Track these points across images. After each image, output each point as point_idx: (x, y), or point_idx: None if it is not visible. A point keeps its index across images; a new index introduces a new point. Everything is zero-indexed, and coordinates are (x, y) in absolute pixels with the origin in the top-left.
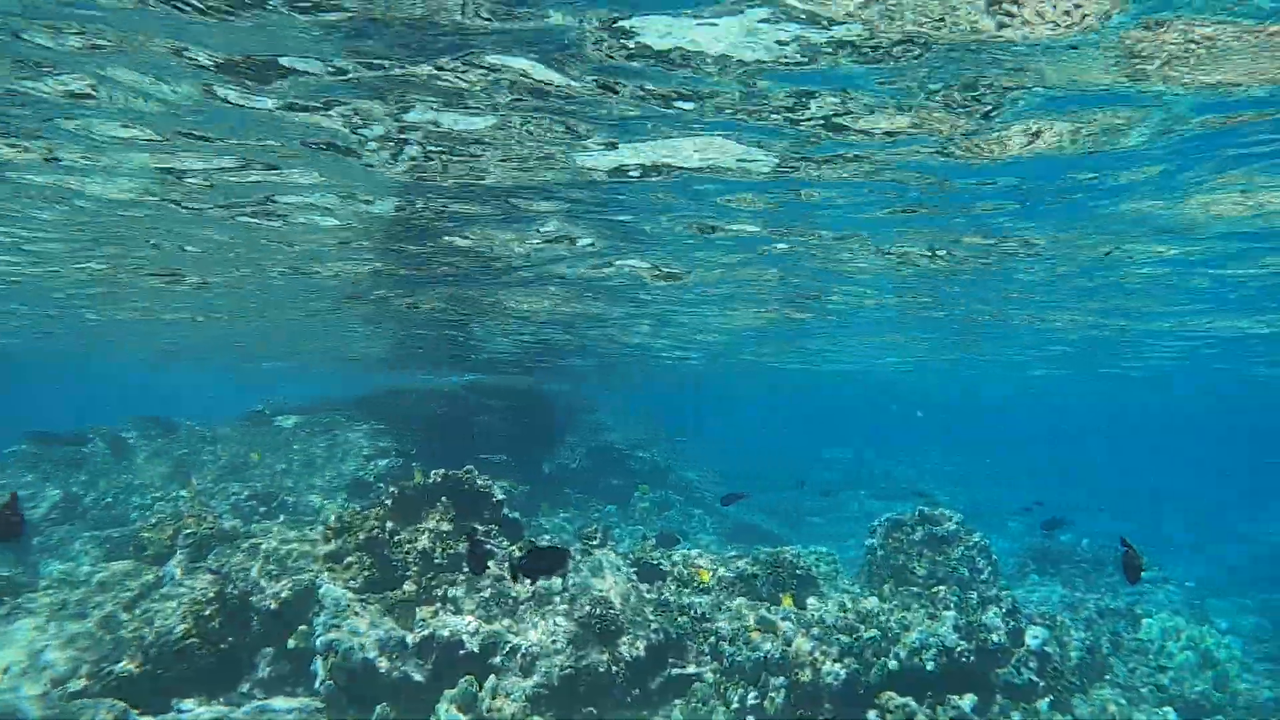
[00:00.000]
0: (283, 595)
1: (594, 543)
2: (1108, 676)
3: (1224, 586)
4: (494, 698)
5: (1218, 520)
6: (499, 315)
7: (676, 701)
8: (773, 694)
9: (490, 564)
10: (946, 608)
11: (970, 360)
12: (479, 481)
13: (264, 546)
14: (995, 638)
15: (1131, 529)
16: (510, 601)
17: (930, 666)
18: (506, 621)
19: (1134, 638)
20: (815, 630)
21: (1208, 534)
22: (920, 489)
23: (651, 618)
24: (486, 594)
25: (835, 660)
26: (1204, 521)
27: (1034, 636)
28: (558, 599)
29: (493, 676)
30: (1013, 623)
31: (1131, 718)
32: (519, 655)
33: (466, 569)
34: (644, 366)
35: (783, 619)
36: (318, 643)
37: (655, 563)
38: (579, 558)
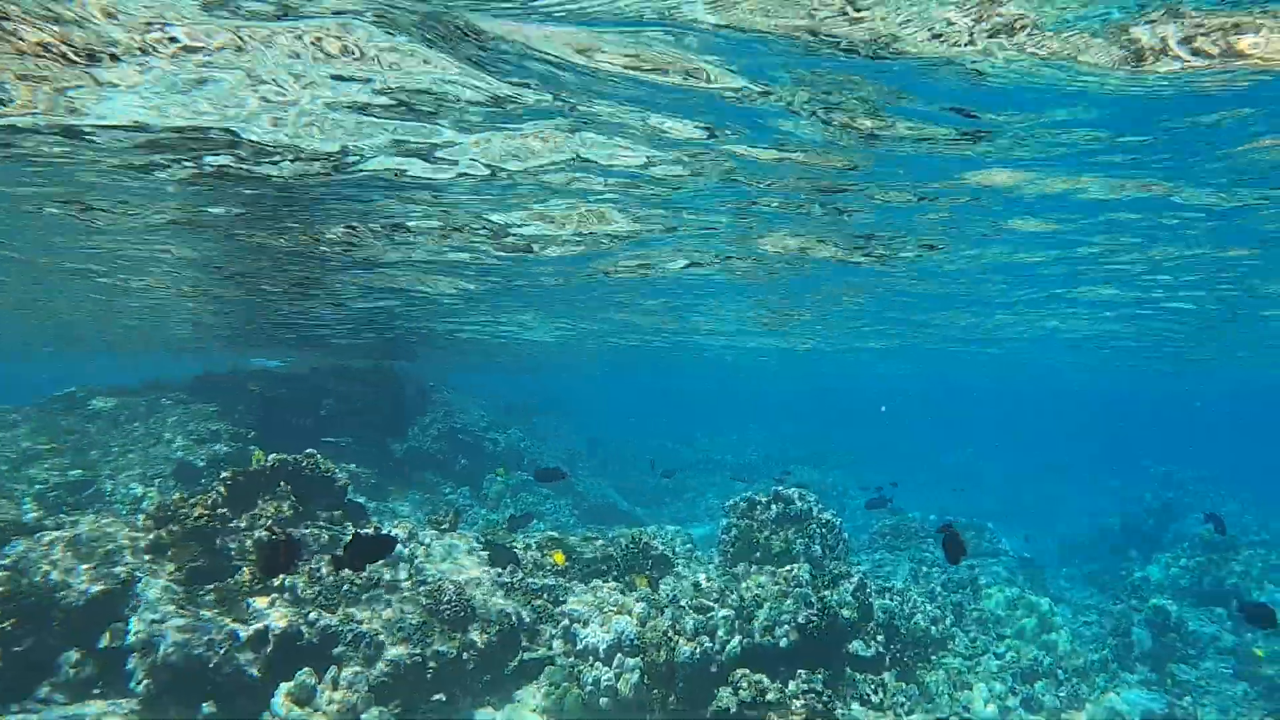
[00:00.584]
0: (93, 591)
1: (444, 526)
2: (951, 646)
3: (1059, 559)
4: (335, 689)
5: (1057, 497)
6: (338, 293)
7: (529, 685)
8: (627, 674)
9: (295, 561)
10: (799, 584)
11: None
12: (321, 465)
13: (70, 537)
14: (846, 613)
15: (976, 507)
16: (354, 589)
17: (783, 643)
18: (349, 610)
19: (975, 608)
20: (669, 610)
21: (1050, 510)
22: (782, 470)
23: (503, 601)
24: (328, 582)
25: (689, 639)
26: (1048, 498)
27: (882, 610)
28: (405, 585)
29: (333, 668)
30: (862, 597)
31: (972, 685)
32: (362, 644)
33: (273, 563)
34: (494, 347)
35: (637, 600)
36: (134, 639)
37: (507, 545)
38: (428, 542)
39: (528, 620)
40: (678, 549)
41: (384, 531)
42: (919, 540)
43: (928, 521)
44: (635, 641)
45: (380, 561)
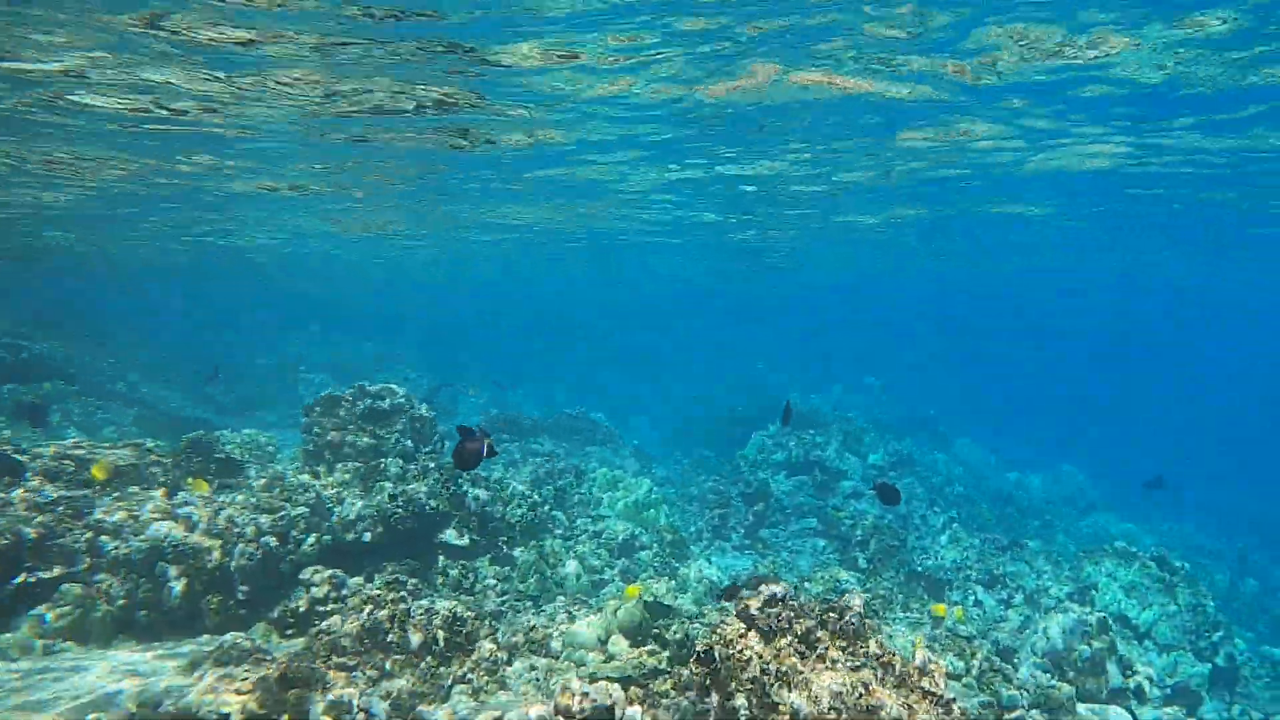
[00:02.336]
0: None
1: None
2: (551, 529)
3: (671, 445)
4: None
5: (670, 394)
6: None
7: (42, 607)
8: (172, 583)
9: None
10: (386, 479)
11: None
12: None
13: None
14: (433, 504)
15: (598, 401)
16: None
17: (367, 537)
18: None
19: (579, 493)
20: (229, 512)
21: (664, 404)
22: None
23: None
24: None
25: (250, 541)
26: (663, 394)
27: (474, 498)
28: None
29: None
30: (454, 488)
31: (564, 560)
32: None
33: None
34: None
35: (186, 504)
36: None
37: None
38: None
39: (34, 538)
40: (257, 451)
41: None
42: (531, 434)
43: (541, 416)
44: (181, 547)
45: None
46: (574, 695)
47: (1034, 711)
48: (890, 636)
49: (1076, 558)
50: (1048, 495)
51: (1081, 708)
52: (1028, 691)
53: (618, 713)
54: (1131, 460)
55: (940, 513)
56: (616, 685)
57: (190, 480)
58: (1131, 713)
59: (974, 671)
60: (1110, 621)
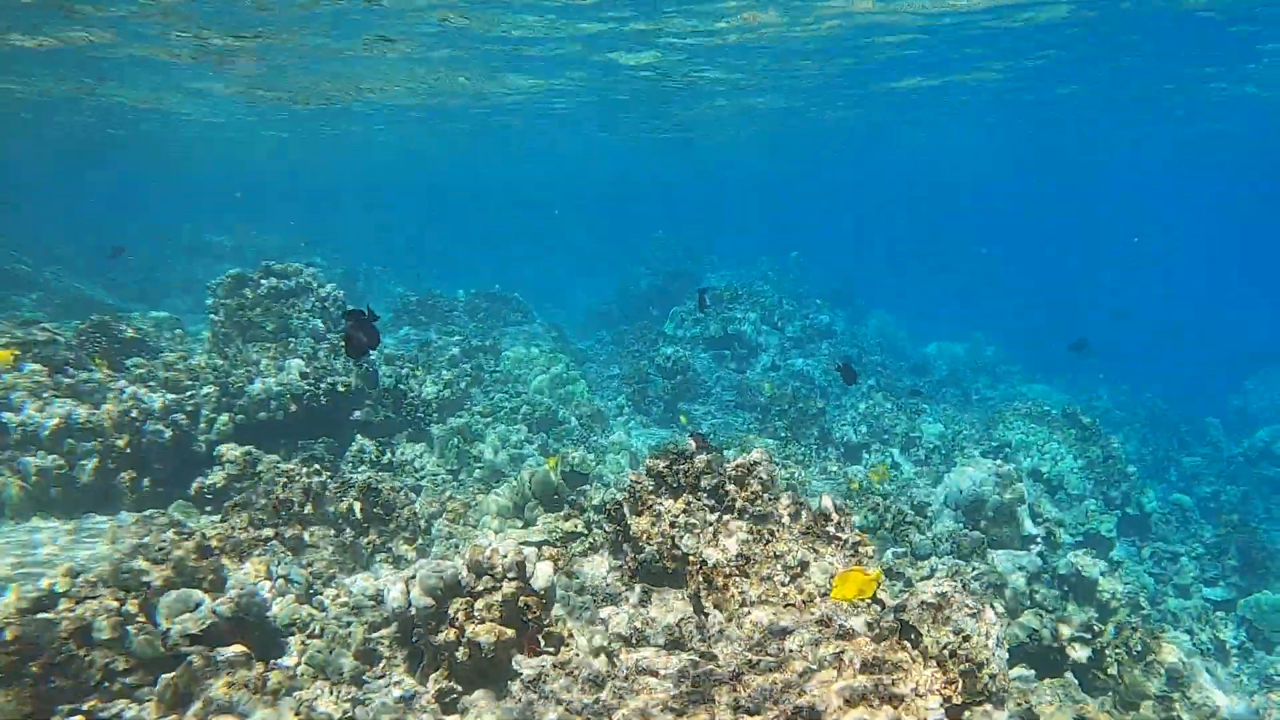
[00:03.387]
0: None
1: None
2: (468, 406)
3: (591, 324)
4: None
5: (590, 271)
6: None
7: None
8: (82, 460)
9: None
10: (297, 357)
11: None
12: None
13: None
14: (345, 382)
15: (512, 280)
16: None
17: (280, 416)
18: None
19: (495, 370)
20: (133, 390)
21: (585, 284)
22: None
23: None
24: None
25: (158, 419)
26: (585, 273)
27: (387, 376)
28: None
29: None
30: (367, 365)
31: (482, 436)
32: None
33: None
34: None
35: (89, 382)
36: None
37: None
38: None
39: None
40: (165, 332)
41: None
42: (448, 315)
43: (459, 297)
44: (88, 426)
45: None
46: (484, 550)
47: (946, 558)
48: (805, 494)
49: (990, 418)
50: (963, 364)
51: (993, 553)
52: (940, 541)
53: (528, 569)
54: (1044, 331)
55: (858, 381)
56: (528, 545)
57: (96, 360)
58: (1042, 557)
59: (888, 524)
60: (1021, 473)
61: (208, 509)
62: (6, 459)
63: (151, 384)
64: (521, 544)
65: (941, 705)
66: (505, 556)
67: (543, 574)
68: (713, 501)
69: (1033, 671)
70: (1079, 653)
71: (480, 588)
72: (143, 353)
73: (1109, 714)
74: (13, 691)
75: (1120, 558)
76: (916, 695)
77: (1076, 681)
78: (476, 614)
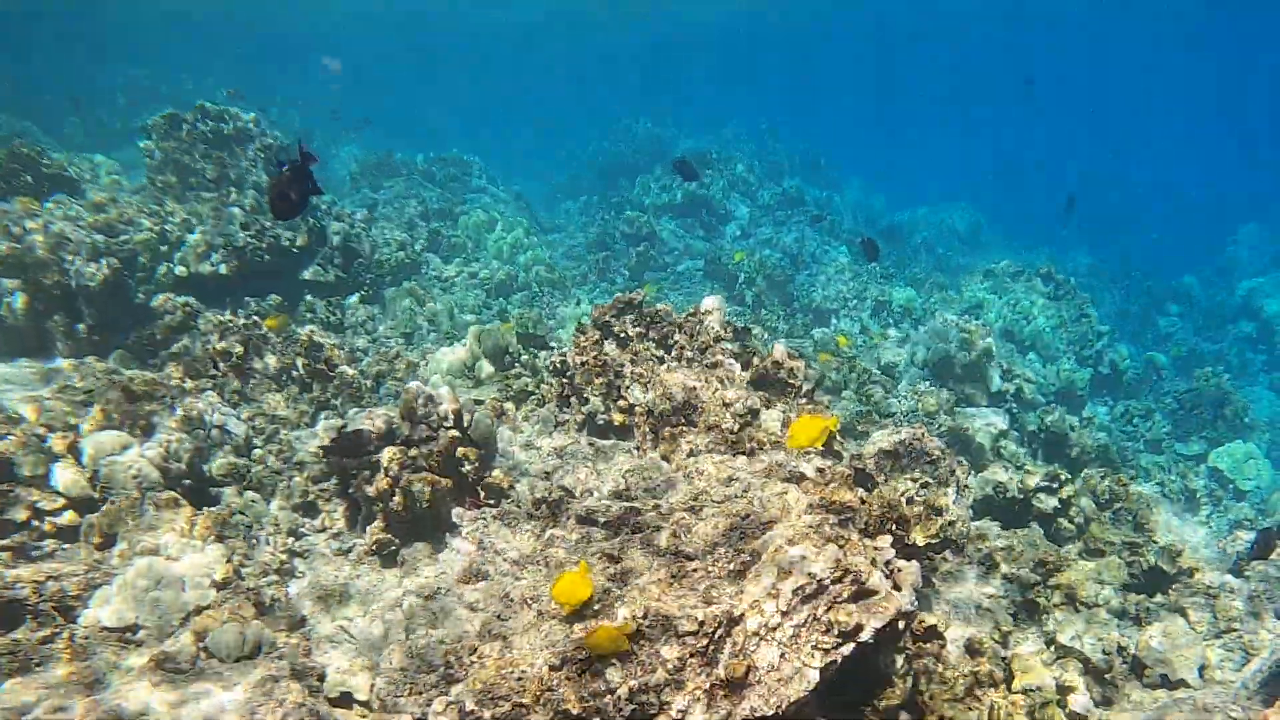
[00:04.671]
0: None
1: None
2: (424, 270)
3: (558, 193)
4: None
5: (556, 142)
6: None
7: None
8: (8, 298)
9: None
10: (239, 208)
11: None
12: None
13: None
14: (290, 236)
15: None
16: None
17: (223, 269)
18: None
19: (454, 234)
20: (60, 227)
21: (550, 154)
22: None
23: None
24: None
25: (89, 261)
26: (550, 144)
27: (335, 233)
28: None
29: None
30: (314, 220)
31: (436, 299)
32: None
33: None
34: None
35: (6, 213)
36: None
37: None
38: None
39: None
40: (101, 179)
41: None
42: (407, 177)
43: (418, 158)
44: (10, 259)
45: None
46: (418, 396)
47: (911, 415)
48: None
49: (964, 278)
50: (941, 232)
51: (961, 410)
52: (905, 398)
53: (466, 418)
54: (1022, 199)
55: (830, 249)
56: (452, 389)
57: (21, 200)
58: (1011, 414)
59: (853, 385)
60: (991, 331)
61: (151, 361)
62: None
63: (80, 224)
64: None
65: (893, 545)
66: (441, 404)
67: (481, 424)
68: (661, 352)
69: (997, 524)
70: (1045, 503)
71: (415, 436)
72: (72, 191)
73: (1072, 560)
74: None
75: (1091, 414)
76: (865, 535)
77: (1041, 531)
78: (409, 463)
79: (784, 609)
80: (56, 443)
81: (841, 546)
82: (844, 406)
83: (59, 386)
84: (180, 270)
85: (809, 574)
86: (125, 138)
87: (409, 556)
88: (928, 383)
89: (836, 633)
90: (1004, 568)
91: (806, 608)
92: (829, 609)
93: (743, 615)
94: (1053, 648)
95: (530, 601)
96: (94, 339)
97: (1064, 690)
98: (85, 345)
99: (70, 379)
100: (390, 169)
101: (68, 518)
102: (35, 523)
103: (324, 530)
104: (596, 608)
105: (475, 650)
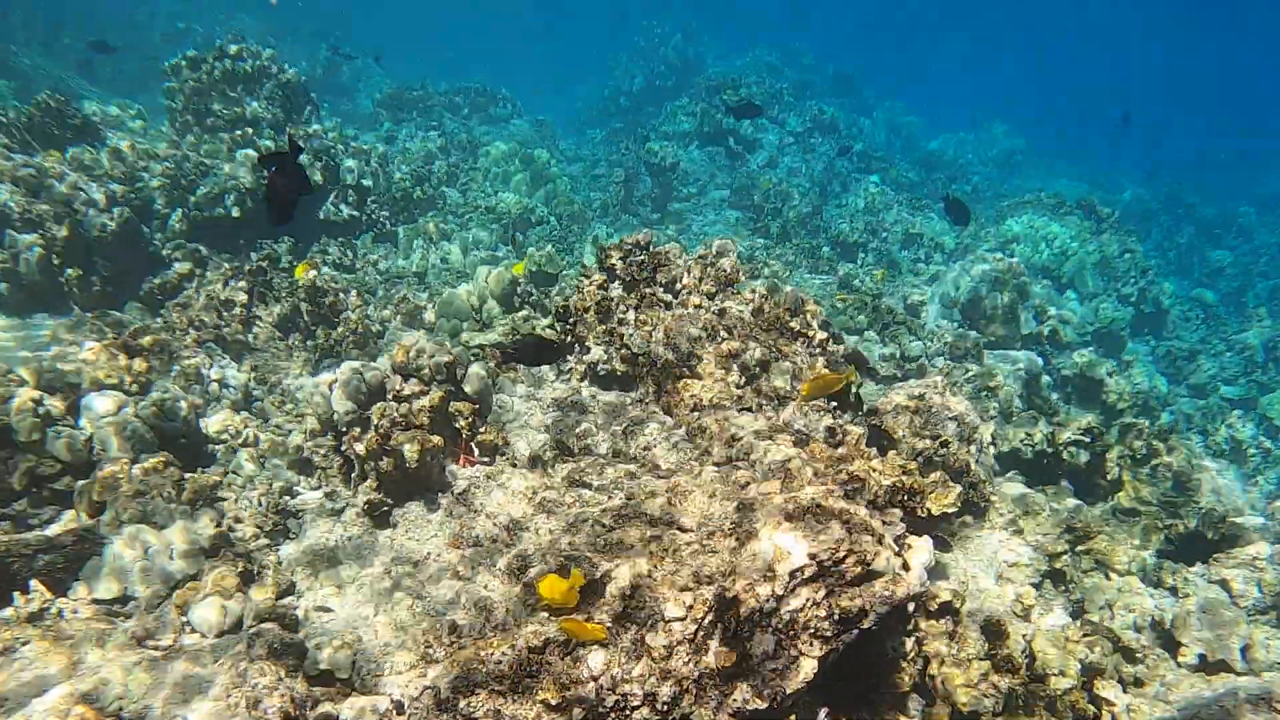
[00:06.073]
0: None
1: None
2: (440, 205)
3: (582, 121)
4: None
5: (586, 68)
6: None
7: None
8: (24, 253)
9: None
10: (250, 147)
11: None
12: None
13: None
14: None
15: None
16: None
17: (235, 212)
18: None
19: (474, 166)
20: (74, 178)
21: (577, 77)
22: None
23: None
24: None
25: (103, 210)
26: (574, 67)
27: (348, 169)
28: None
29: None
30: (328, 160)
31: (450, 236)
32: None
33: None
34: None
35: (27, 166)
36: None
37: None
38: None
39: None
40: (131, 124)
41: None
42: (428, 108)
43: (436, 88)
44: (28, 214)
45: None
46: (410, 349)
47: (938, 359)
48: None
49: (1000, 212)
50: (977, 158)
51: (990, 354)
52: (933, 340)
53: (459, 371)
54: (1071, 120)
55: (859, 178)
56: (452, 346)
57: (44, 151)
58: (1045, 357)
59: (878, 325)
60: (1025, 269)
61: (160, 312)
62: None
63: (97, 173)
64: (457, 345)
65: (906, 515)
66: (433, 357)
67: (474, 376)
68: (669, 297)
69: (1022, 480)
70: (1077, 457)
71: (406, 391)
72: (96, 139)
73: (1103, 526)
74: None
75: (1132, 357)
76: (874, 506)
77: (1071, 490)
78: (400, 420)
79: (780, 592)
80: (55, 404)
81: (846, 523)
82: (865, 349)
83: (64, 344)
84: (196, 214)
85: (809, 555)
86: (159, 79)
87: (401, 517)
88: (956, 323)
89: (838, 618)
90: (1028, 533)
91: (806, 590)
92: (830, 593)
93: (737, 598)
94: (1079, 622)
95: (517, 573)
96: (108, 290)
97: (1090, 673)
98: (100, 297)
99: (75, 337)
100: (413, 100)
101: (65, 483)
102: (34, 489)
103: (318, 489)
104: (585, 582)
105: (455, 629)
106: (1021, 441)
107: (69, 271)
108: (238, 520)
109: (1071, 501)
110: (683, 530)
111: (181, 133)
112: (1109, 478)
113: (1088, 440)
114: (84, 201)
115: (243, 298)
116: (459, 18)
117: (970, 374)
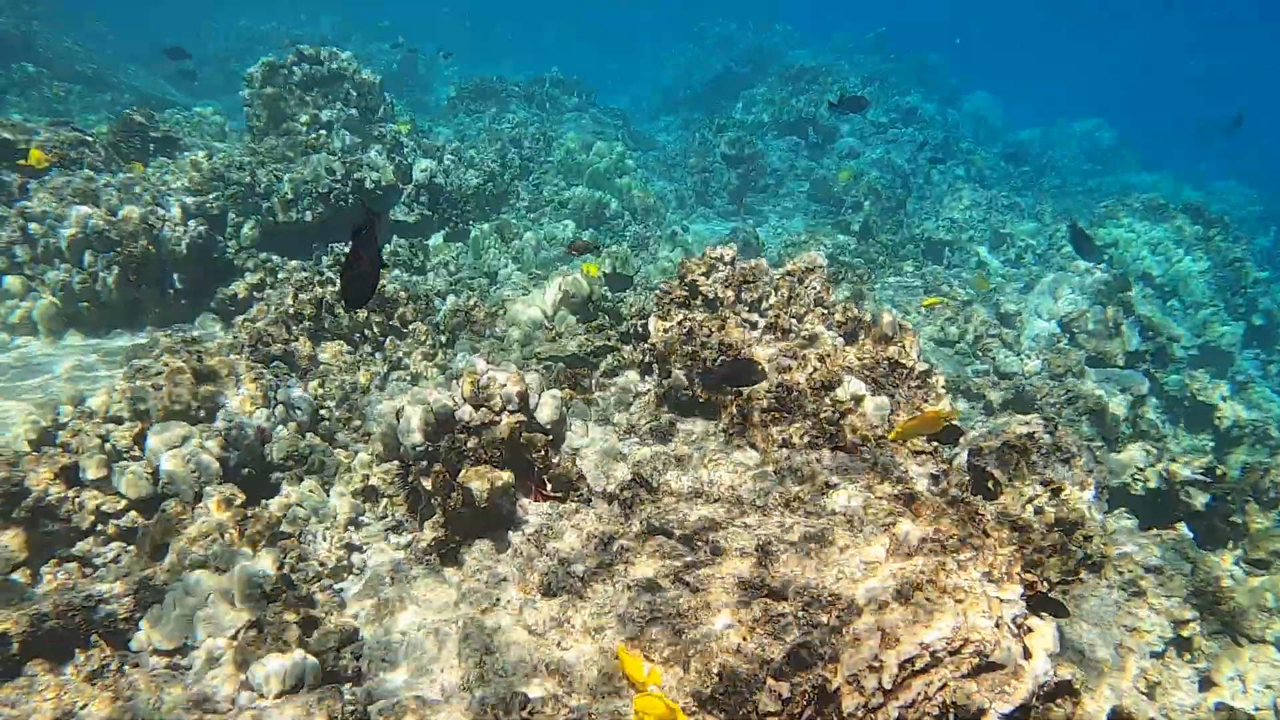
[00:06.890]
0: None
1: None
2: (513, 201)
3: (660, 111)
4: None
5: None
6: None
7: None
8: (102, 273)
9: None
10: (330, 151)
11: None
12: None
13: None
14: (374, 176)
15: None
16: None
17: (308, 217)
18: None
19: (548, 160)
20: (150, 196)
21: (653, 71)
22: None
23: None
24: None
25: (178, 225)
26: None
27: (421, 170)
28: None
29: None
30: (399, 159)
31: (521, 234)
32: None
33: None
34: None
35: (109, 186)
36: None
37: None
38: None
39: None
40: (209, 125)
41: None
42: (505, 101)
43: (518, 81)
44: (107, 234)
45: None
46: (479, 377)
47: (1035, 378)
48: (871, 304)
49: (1097, 214)
50: (1069, 151)
51: (1093, 373)
52: (1029, 357)
53: (532, 399)
54: (1166, 115)
55: (945, 171)
56: (526, 373)
57: (131, 164)
58: (1150, 376)
59: (969, 337)
60: (1130, 279)
61: (231, 323)
62: (38, 273)
63: (174, 188)
64: (527, 369)
65: (1023, 597)
66: (504, 386)
67: (548, 405)
68: (754, 317)
69: (1134, 521)
70: (1195, 499)
71: (476, 422)
72: (177, 151)
73: (1234, 593)
74: (10, 534)
75: (1245, 377)
76: (989, 581)
77: (1191, 537)
78: (470, 453)
79: (888, 685)
80: (121, 437)
81: (960, 602)
82: (958, 360)
83: (133, 370)
84: (269, 220)
85: (920, 643)
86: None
87: (469, 556)
88: (1054, 339)
89: (953, 717)
90: (1150, 595)
91: (918, 684)
92: (943, 687)
93: (838, 691)
94: (1210, 700)
95: (593, 633)
96: (182, 303)
97: None
98: (175, 311)
99: (143, 361)
100: (487, 92)
101: (130, 519)
102: (100, 527)
103: (384, 518)
104: (666, 654)
105: (526, 705)
106: (1132, 476)
107: (146, 290)
108: (301, 560)
109: (1193, 550)
110: (775, 599)
111: (258, 137)
112: (1231, 520)
113: (1207, 480)
114: (161, 217)
115: (310, 310)
116: (531, 12)
117: (1070, 395)
